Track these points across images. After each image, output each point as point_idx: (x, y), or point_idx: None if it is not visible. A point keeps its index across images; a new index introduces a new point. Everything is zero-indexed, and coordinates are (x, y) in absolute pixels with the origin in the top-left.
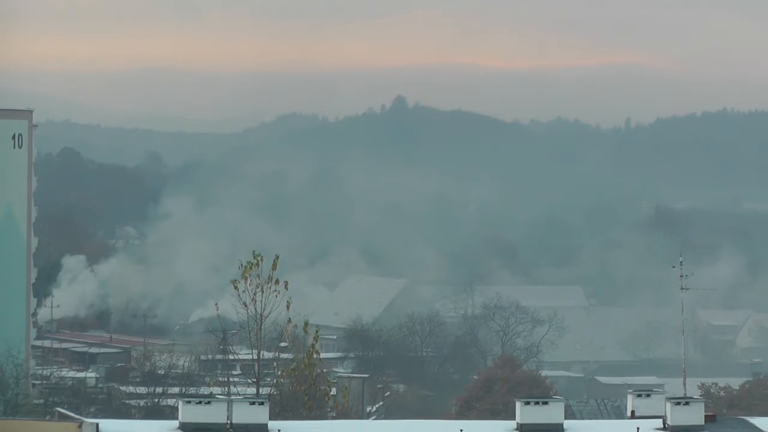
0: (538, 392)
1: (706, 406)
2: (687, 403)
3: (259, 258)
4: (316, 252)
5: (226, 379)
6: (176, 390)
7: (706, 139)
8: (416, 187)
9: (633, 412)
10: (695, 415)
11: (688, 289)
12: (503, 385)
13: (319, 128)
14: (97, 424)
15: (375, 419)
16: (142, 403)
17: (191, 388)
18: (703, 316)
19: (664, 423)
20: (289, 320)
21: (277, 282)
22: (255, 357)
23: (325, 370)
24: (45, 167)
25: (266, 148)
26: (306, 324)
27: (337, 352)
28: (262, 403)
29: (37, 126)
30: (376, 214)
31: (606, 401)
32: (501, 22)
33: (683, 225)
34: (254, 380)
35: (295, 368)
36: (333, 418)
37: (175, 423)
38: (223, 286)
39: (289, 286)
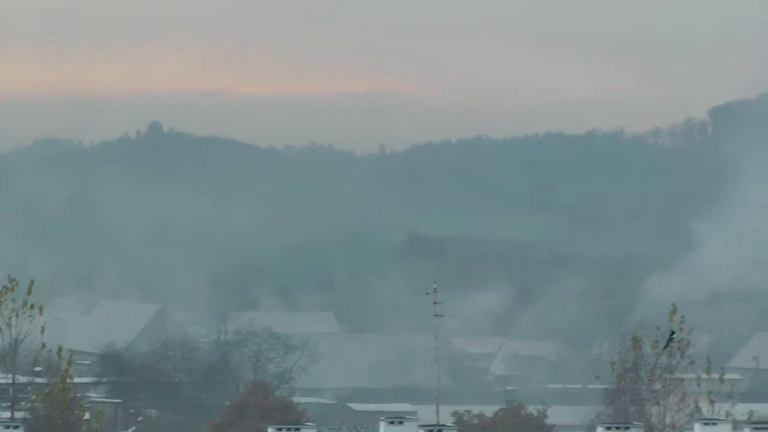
0: (291, 418)
1: None
2: (440, 431)
3: (14, 283)
4: (73, 277)
5: None
6: None
7: (461, 166)
8: (173, 213)
9: None
10: None
11: (441, 316)
12: (256, 411)
13: (76, 153)
14: None
15: None
16: None
17: None
18: (457, 344)
19: None
20: (43, 345)
21: (32, 307)
22: (10, 381)
23: (78, 395)
24: None
25: (23, 173)
26: (60, 349)
27: (91, 377)
28: (16, 427)
29: None
30: (133, 239)
31: (359, 428)
32: (256, 47)
33: (437, 252)
34: (9, 404)
35: (49, 393)
36: None
37: None
38: None
39: (44, 311)
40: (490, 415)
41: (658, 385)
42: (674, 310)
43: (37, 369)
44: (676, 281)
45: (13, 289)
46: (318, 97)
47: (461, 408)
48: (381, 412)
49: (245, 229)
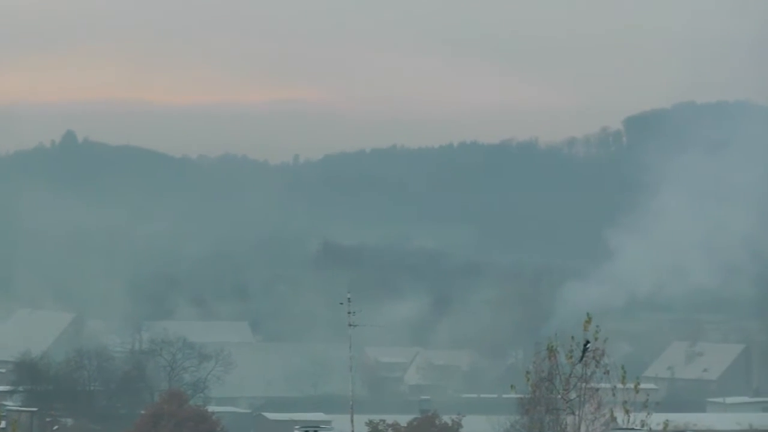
0: (205, 428)
1: None
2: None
3: None
4: None
5: None
6: None
7: (375, 175)
8: (89, 222)
9: None
10: None
11: (355, 325)
12: (170, 420)
13: None
14: None
15: None
16: None
17: None
18: (372, 353)
19: None
20: None
21: None
22: None
23: None
24: None
25: None
26: None
27: (6, 385)
28: None
29: None
30: (49, 248)
31: None
32: (170, 57)
33: (352, 261)
34: None
35: None
36: None
37: None
38: None
39: None
40: (405, 425)
41: (573, 395)
42: (589, 320)
43: None
44: (592, 291)
45: None
46: (232, 106)
47: (376, 417)
48: (295, 422)
49: (160, 238)
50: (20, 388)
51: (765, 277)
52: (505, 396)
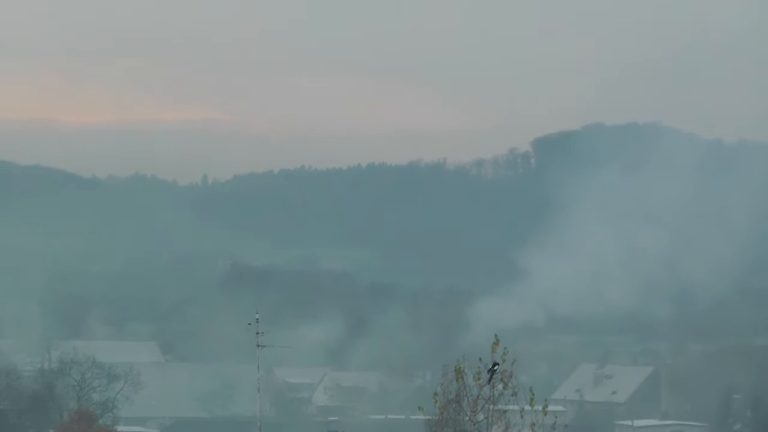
0: None
1: None
2: None
3: None
4: None
5: None
6: None
7: (284, 196)
8: None
9: None
10: None
11: (264, 346)
12: None
13: None
14: None
15: None
16: None
17: None
18: (280, 374)
19: None
20: None
21: None
22: None
23: None
24: None
25: None
26: None
27: None
28: None
29: None
30: None
31: None
32: (79, 77)
33: (261, 282)
34: None
35: None
36: None
37: None
38: None
39: None
40: None
41: (481, 417)
42: (497, 342)
43: None
44: (501, 312)
45: None
46: (142, 127)
47: None
48: None
49: (70, 257)
50: None
51: (676, 297)
52: (413, 417)
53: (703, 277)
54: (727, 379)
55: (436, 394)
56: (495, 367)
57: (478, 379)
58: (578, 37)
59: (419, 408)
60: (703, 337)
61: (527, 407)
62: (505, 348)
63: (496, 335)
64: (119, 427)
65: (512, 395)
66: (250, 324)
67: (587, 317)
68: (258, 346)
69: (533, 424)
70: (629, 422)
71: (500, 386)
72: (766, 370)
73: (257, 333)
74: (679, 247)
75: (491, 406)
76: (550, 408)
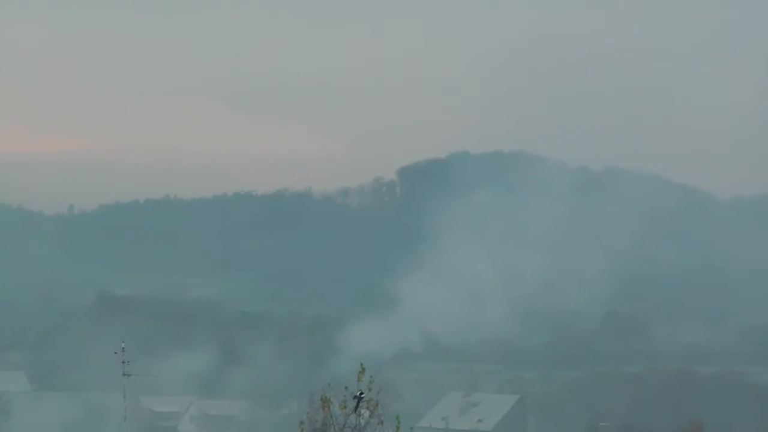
0: None
1: None
2: None
3: None
4: None
5: None
6: None
7: (150, 226)
8: None
9: None
10: None
11: (130, 375)
12: None
13: None
14: None
15: None
16: None
17: None
18: (147, 402)
19: None
20: None
21: None
22: None
23: None
24: None
25: None
26: None
27: None
28: None
29: None
30: None
31: None
32: None
33: (128, 311)
34: None
35: None
36: None
37: None
38: None
39: None
40: None
41: None
42: (363, 370)
43: None
44: (367, 340)
45: None
46: (7, 157)
47: None
48: None
49: None
50: None
51: (552, 323)
52: None
53: (576, 304)
54: (594, 406)
55: (302, 422)
56: (360, 396)
57: (344, 407)
58: (443, 67)
59: None
60: (573, 364)
61: None
62: (371, 376)
63: (361, 364)
64: None
65: (378, 423)
66: (116, 353)
67: (460, 343)
68: (124, 374)
69: None
70: None
71: (366, 414)
72: (634, 397)
73: (123, 362)
74: (554, 272)
75: None
76: None
